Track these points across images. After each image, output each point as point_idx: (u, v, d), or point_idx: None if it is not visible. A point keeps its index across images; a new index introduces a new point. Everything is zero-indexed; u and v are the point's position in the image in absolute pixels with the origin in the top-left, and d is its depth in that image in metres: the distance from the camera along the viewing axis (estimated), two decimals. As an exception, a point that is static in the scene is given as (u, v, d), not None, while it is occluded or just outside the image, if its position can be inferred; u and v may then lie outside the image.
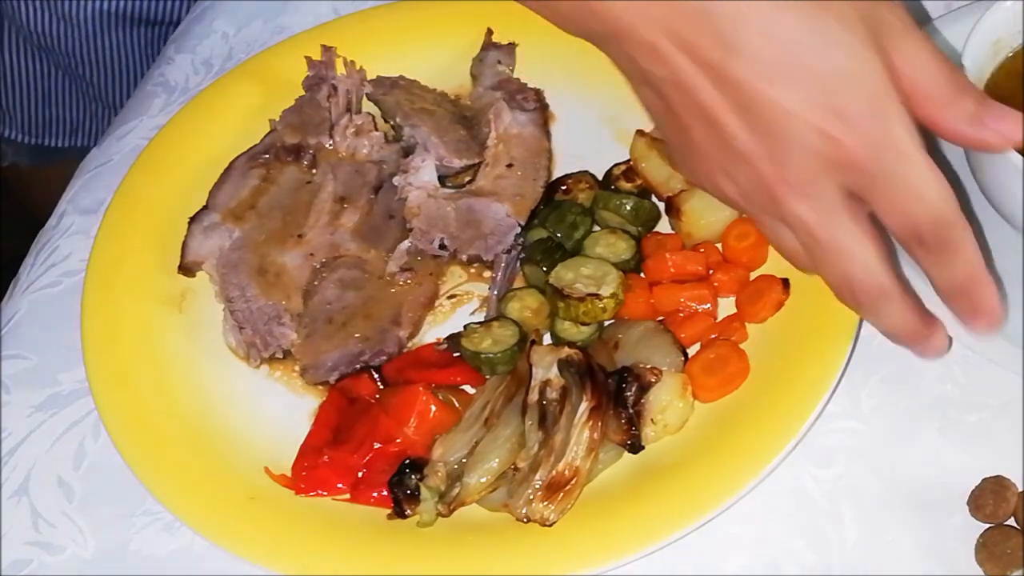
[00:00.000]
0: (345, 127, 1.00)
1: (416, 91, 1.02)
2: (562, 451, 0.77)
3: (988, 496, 0.75)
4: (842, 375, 0.79)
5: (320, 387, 0.88)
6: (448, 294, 0.93)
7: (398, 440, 0.83)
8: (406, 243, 0.93)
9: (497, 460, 0.79)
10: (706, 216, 0.87)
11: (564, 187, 0.94)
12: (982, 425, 0.79)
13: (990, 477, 0.75)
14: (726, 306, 0.87)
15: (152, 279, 0.94)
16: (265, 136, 1.00)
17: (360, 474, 0.82)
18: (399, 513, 0.79)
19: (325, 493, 0.83)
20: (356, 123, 1.00)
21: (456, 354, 0.87)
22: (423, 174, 0.95)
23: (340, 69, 1.04)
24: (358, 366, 0.87)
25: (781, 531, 0.77)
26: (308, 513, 0.81)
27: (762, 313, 0.84)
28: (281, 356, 0.90)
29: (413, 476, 0.79)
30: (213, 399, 0.89)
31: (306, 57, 1.04)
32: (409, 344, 0.90)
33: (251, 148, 1.00)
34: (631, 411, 0.79)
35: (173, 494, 0.82)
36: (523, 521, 0.77)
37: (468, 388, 0.86)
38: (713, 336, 0.84)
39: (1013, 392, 0.79)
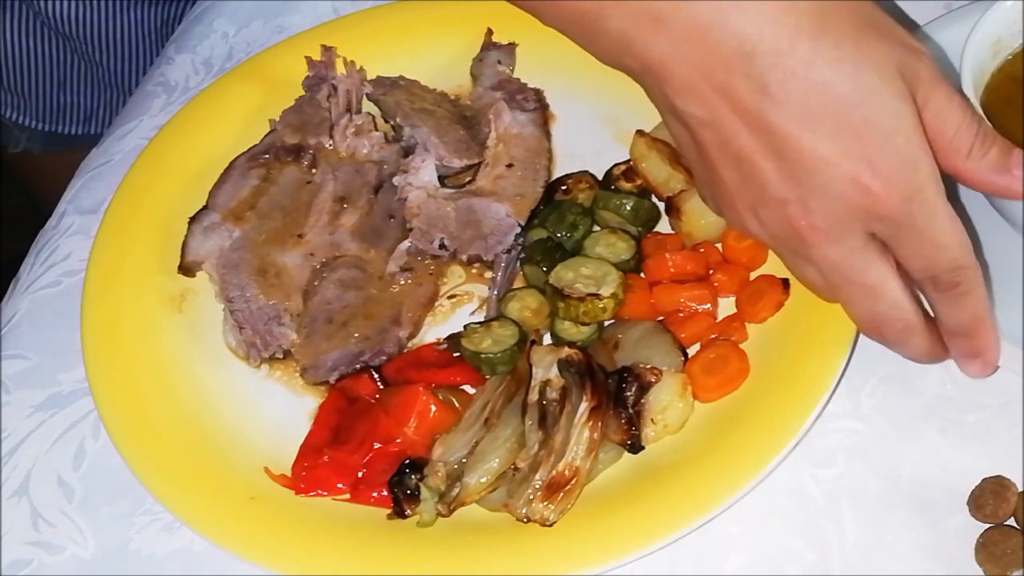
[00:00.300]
0: (345, 127, 1.00)
1: (416, 91, 1.02)
2: (562, 451, 0.77)
3: (988, 496, 0.75)
4: (842, 375, 0.79)
5: (320, 387, 0.88)
6: (448, 294, 0.93)
7: (398, 440, 0.83)
8: (406, 243, 0.93)
9: (497, 460, 0.79)
10: (706, 216, 0.87)
11: (564, 187, 0.94)
12: (982, 425, 0.79)
13: (990, 477, 0.75)
14: (726, 306, 0.87)
15: (152, 279, 0.94)
16: (265, 136, 1.00)
17: (360, 474, 0.82)
18: (399, 513, 0.79)
19: (325, 493, 0.82)
20: (356, 123, 1.00)
21: (456, 354, 0.87)
22: (423, 174, 0.95)
23: (340, 69, 1.04)
24: (358, 366, 0.87)
25: (781, 531, 0.77)
26: (308, 513, 0.81)
27: (762, 313, 0.84)
28: (281, 356, 0.90)
29: (413, 476, 0.79)
30: (213, 399, 0.88)
31: (306, 57, 1.04)
32: (409, 344, 0.90)
33: (251, 148, 1.00)
34: (631, 411, 0.79)
35: (173, 494, 0.82)
36: (523, 521, 0.77)
37: (468, 388, 0.86)
38: (713, 336, 0.84)
39: (1013, 392, 0.79)
